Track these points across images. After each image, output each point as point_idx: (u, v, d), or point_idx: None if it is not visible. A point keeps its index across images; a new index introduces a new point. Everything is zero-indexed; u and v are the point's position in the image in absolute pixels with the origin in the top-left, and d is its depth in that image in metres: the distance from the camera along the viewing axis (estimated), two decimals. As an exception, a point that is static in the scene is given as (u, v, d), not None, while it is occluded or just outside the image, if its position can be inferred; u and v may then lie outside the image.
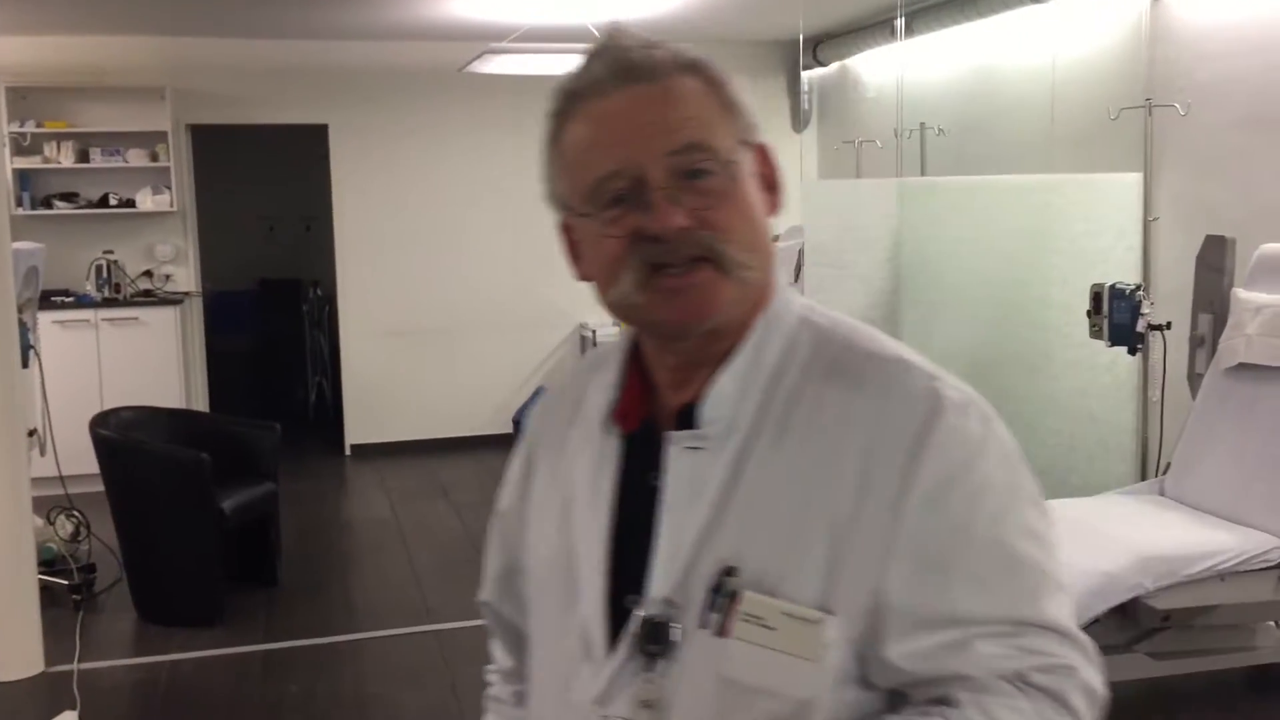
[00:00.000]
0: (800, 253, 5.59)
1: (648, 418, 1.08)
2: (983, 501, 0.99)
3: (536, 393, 6.64)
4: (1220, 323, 3.99)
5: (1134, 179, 4.75)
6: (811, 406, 1.01)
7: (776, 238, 5.92)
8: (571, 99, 1.05)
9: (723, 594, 0.99)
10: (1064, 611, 1.01)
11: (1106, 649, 3.53)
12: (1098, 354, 4.81)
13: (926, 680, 0.99)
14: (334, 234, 7.46)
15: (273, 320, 9.03)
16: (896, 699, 1.01)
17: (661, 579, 1.02)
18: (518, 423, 6.63)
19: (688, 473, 1.03)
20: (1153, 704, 3.65)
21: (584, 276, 1.09)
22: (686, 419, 1.05)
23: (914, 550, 0.97)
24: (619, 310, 1.04)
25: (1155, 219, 4.76)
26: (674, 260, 0.99)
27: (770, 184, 1.07)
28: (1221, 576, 3.46)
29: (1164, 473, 4.10)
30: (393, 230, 7.49)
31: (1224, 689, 3.70)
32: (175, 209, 7.10)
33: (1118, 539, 3.53)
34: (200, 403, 7.29)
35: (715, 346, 1.04)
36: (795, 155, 7.42)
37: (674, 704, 1.00)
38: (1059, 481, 4.88)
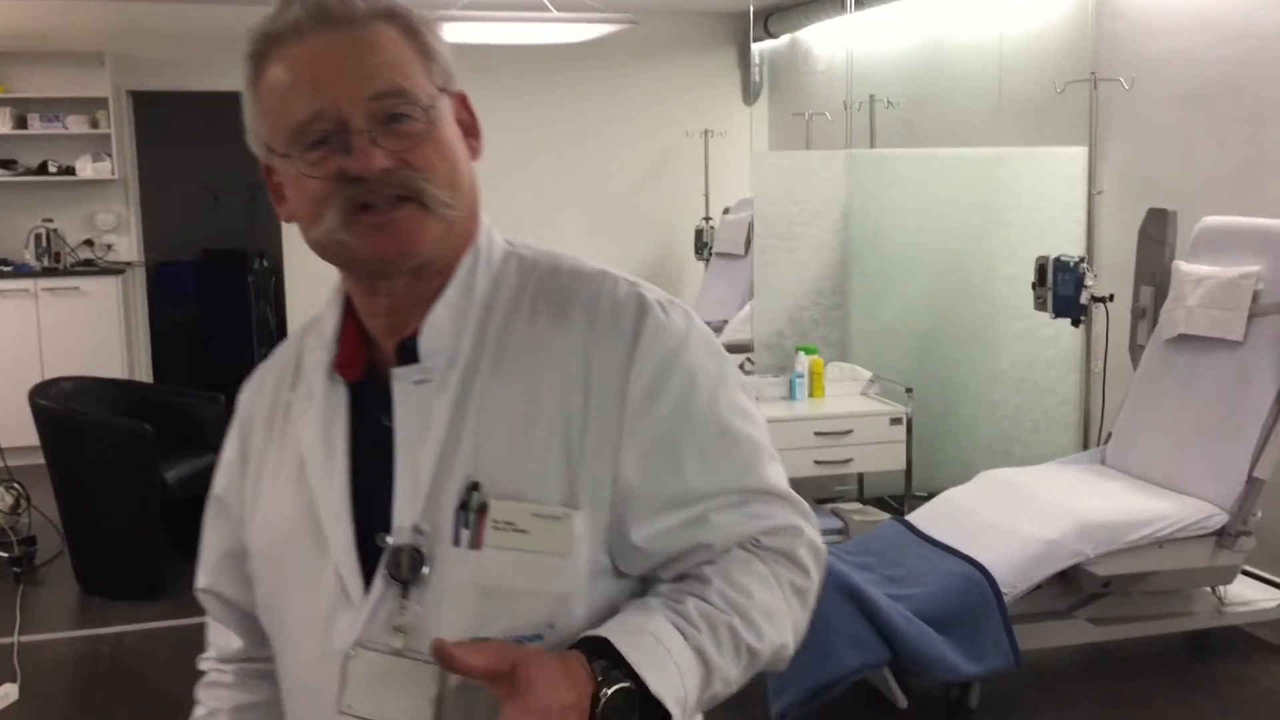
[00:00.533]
0: (750, 225, 5.60)
1: (369, 364, 1.10)
2: (696, 386, 1.06)
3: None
4: (1161, 295, 4.05)
5: (1079, 153, 4.81)
6: (525, 328, 1.07)
7: (727, 210, 5.93)
8: (267, 42, 1.06)
9: (471, 509, 1.02)
10: (782, 478, 1.12)
11: (1048, 615, 3.62)
12: (1042, 326, 4.88)
13: (672, 558, 1.06)
14: (280, 204, 7.35)
15: (217, 291, 8.89)
16: (648, 585, 1.08)
17: (405, 508, 1.04)
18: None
19: (416, 405, 1.06)
20: (1093, 668, 3.72)
21: (288, 217, 1.09)
22: (408, 355, 1.07)
23: (643, 438, 1.04)
24: (323, 249, 1.05)
25: (1099, 192, 4.82)
26: (377, 200, 1.01)
27: (470, 130, 1.12)
28: (1160, 543, 3.53)
29: (1105, 442, 4.16)
30: (340, 200, 7.39)
31: (1163, 653, 3.78)
32: (116, 177, 6.96)
33: (1059, 507, 3.59)
34: (143, 374, 7.17)
35: (424, 286, 1.07)
36: (746, 128, 7.43)
37: (435, 624, 1.02)
38: (1004, 452, 4.95)
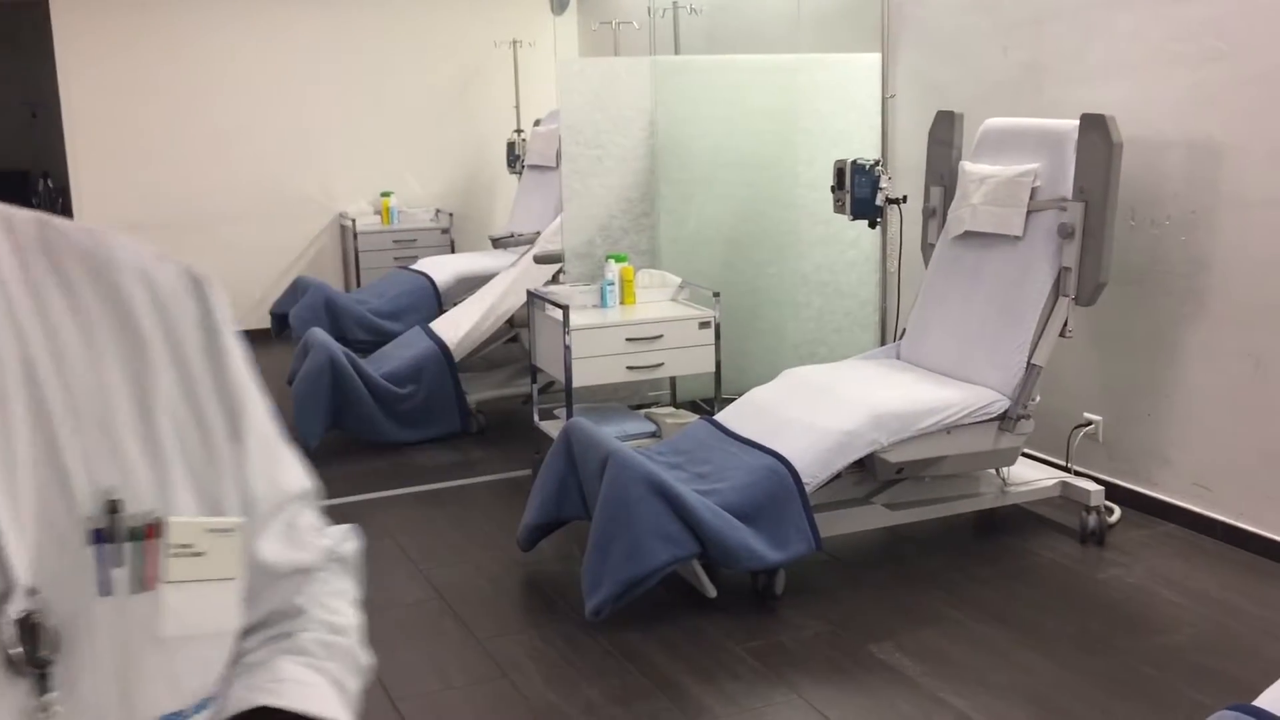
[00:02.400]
0: (560, 137, 5.57)
1: None
2: (248, 372, 0.88)
3: (294, 285, 6.43)
4: (950, 194, 4.23)
5: (873, 59, 4.94)
6: (66, 307, 0.76)
7: (538, 122, 5.87)
8: None
9: (126, 537, 0.72)
10: None
11: (848, 502, 3.78)
12: (844, 229, 5.04)
13: (279, 576, 0.88)
14: (63, 120, 6.94)
15: None
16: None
17: (18, 562, 0.68)
18: (277, 316, 6.41)
19: None
20: (890, 551, 3.93)
21: None
22: None
23: (248, 430, 0.84)
24: None
25: (892, 96, 4.97)
26: None
27: None
28: (948, 430, 3.74)
29: (900, 338, 4.35)
30: (131, 116, 7.02)
31: (953, 533, 4.02)
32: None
33: (856, 400, 3.75)
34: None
35: None
36: (553, 38, 7.35)
37: (98, 711, 0.72)
38: (809, 353, 5.13)
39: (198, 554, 0.75)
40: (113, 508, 0.72)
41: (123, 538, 0.72)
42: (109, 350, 0.77)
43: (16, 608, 0.68)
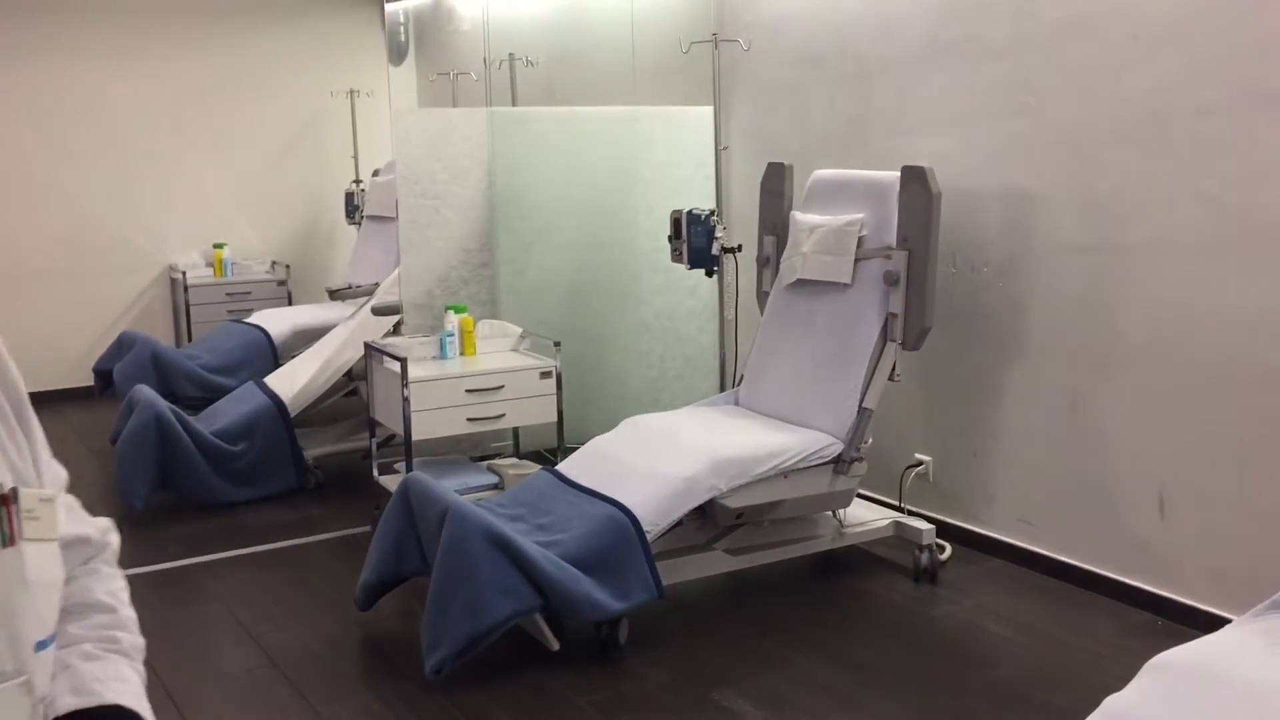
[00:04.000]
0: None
1: None
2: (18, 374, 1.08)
3: (119, 341, 6.17)
4: (782, 243, 4.33)
5: (707, 111, 5.04)
6: None
7: (376, 172, 5.77)
8: None
9: None
10: None
11: (689, 549, 3.80)
12: (683, 277, 5.10)
13: (67, 545, 1.08)
14: None
15: None
16: None
17: None
18: (100, 373, 6.14)
19: None
20: (732, 596, 3.96)
21: None
22: None
23: (31, 422, 1.05)
24: None
25: (726, 148, 5.08)
26: None
27: None
28: (785, 474, 3.80)
29: (738, 384, 4.42)
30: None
31: (794, 576, 4.07)
32: None
33: (695, 446, 3.78)
34: None
35: None
36: (391, 89, 7.28)
37: None
38: (651, 400, 5.16)
39: (35, 518, 0.95)
40: None
41: None
42: None
43: None
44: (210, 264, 7.37)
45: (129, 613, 1.15)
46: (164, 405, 4.92)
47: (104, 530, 1.17)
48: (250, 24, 7.28)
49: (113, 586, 1.14)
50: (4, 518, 0.92)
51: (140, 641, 1.15)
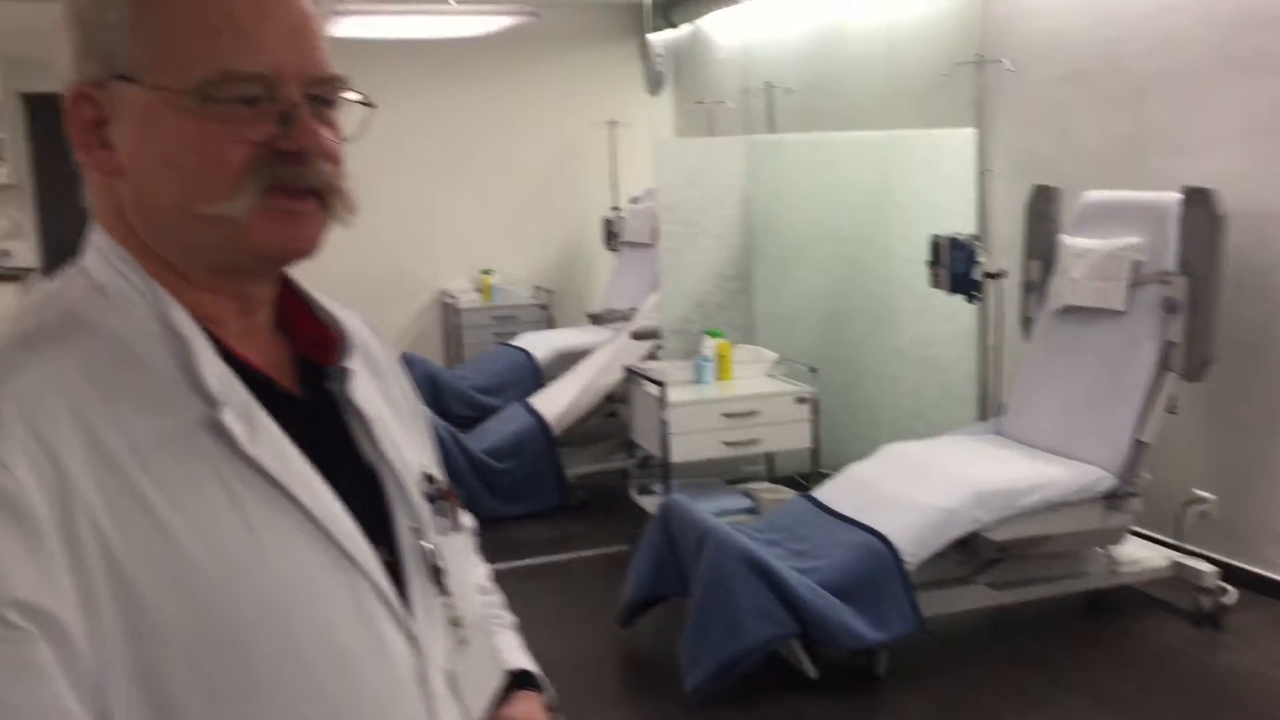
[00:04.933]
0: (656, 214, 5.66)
1: (252, 369, 0.91)
2: None
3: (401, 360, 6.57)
4: (1049, 269, 4.19)
5: (968, 133, 4.94)
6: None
7: (635, 199, 5.98)
8: None
9: (439, 497, 1.02)
10: None
11: (950, 581, 3.73)
12: (940, 303, 4.99)
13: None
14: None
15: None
16: None
17: (403, 504, 0.97)
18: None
19: (365, 400, 0.98)
20: (994, 632, 3.85)
21: (111, 169, 0.88)
22: (319, 355, 0.98)
23: (426, 427, 1.13)
24: (209, 225, 0.85)
25: (989, 171, 4.95)
26: (297, 184, 0.88)
27: None
28: (1053, 508, 3.67)
29: (1000, 413, 4.30)
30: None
31: (1060, 613, 3.92)
32: (11, 182, 6.81)
33: (956, 477, 3.70)
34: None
35: (269, 289, 0.97)
36: (651, 117, 7.49)
37: (462, 609, 1.00)
38: (907, 428, 5.07)
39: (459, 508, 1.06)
40: (430, 479, 1.02)
41: (438, 498, 1.01)
42: (374, 370, 1.05)
43: (406, 543, 0.96)
44: (479, 289, 7.76)
45: (500, 596, 1.22)
46: (440, 424, 5.22)
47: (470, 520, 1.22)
48: (516, 58, 7.63)
49: (483, 571, 1.22)
50: (448, 508, 1.02)
51: (515, 619, 1.23)
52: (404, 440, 1.01)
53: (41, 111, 7.19)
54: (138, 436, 0.81)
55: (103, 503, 0.78)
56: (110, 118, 0.87)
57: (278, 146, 0.86)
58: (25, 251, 7.01)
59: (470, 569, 1.11)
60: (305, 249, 0.92)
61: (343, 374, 0.97)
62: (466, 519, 1.10)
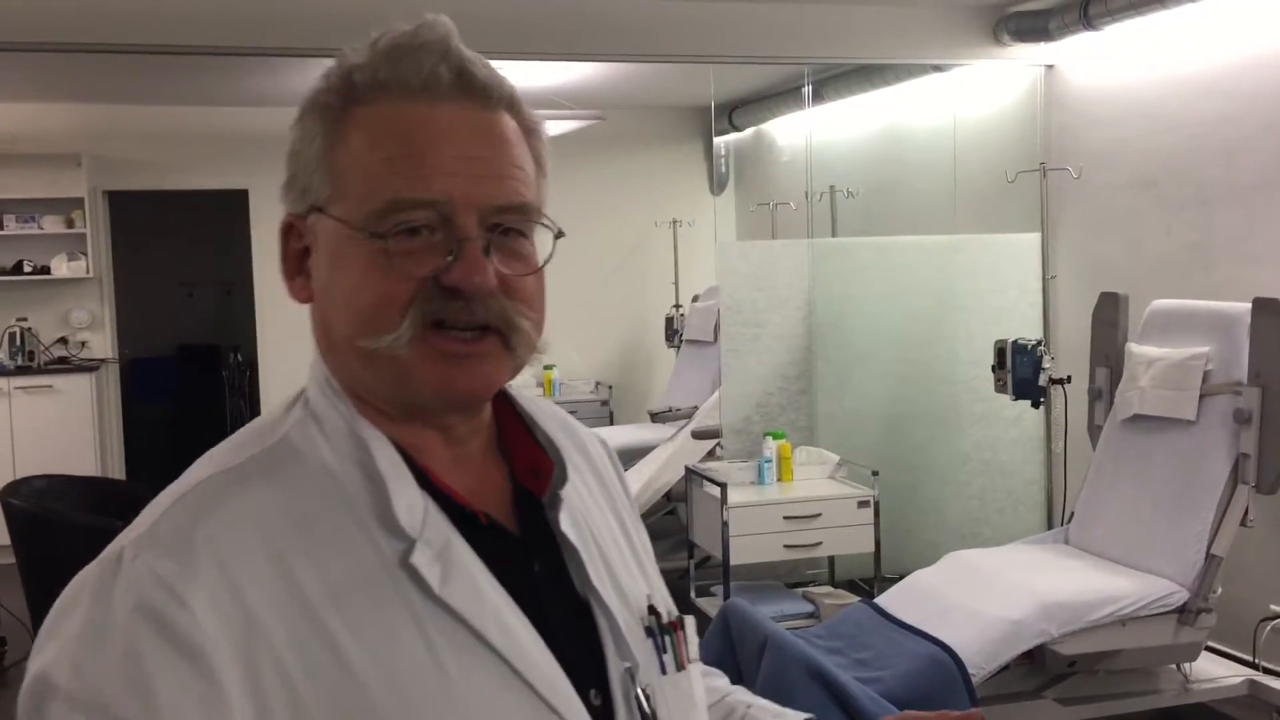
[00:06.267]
0: (718, 313, 5.71)
1: (464, 506, 0.87)
2: None
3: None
4: (1116, 376, 4.15)
5: (1033, 239, 4.95)
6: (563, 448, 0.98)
7: (696, 298, 6.02)
8: (379, 86, 0.84)
9: (663, 631, 0.94)
10: None
11: (1016, 695, 3.64)
12: (1004, 408, 4.97)
13: None
14: (254, 298, 7.43)
15: (192, 387, 8.93)
16: None
17: (616, 643, 0.90)
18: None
19: (575, 532, 0.92)
20: (1063, 748, 3.73)
21: (306, 297, 0.88)
22: (532, 482, 0.93)
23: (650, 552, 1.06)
24: (370, 360, 0.83)
25: (1053, 277, 4.95)
26: (462, 322, 0.84)
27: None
28: (1123, 622, 3.58)
29: (1068, 522, 4.23)
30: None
31: (1131, 731, 3.81)
32: (91, 275, 7.03)
33: (1024, 587, 3.64)
34: (117, 471, 7.17)
35: (479, 418, 0.92)
36: (712, 218, 7.59)
37: None
38: (971, 534, 5.01)
39: (690, 641, 0.96)
40: (652, 610, 0.94)
41: (662, 632, 0.93)
42: (600, 495, 1.01)
43: (621, 687, 0.89)
44: (541, 384, 7.82)
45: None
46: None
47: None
48: (584, 158, 7.78)
49: (721, 683, 1.16)
50: (676, 643, 0.93)
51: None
52: (624, 569, 0.95)
53: (123, 207, 7.46)
54: (334, 576, 0.79)
55: (288, 640, 0.76)
56: (312, 247, 0.88)
57: (443, 281, 0.82)
58: (101, 342, 7.21)
59: (697, 713, 0.96)
60: (477, 390, 0.87)
61: (554, 502, 0.92)
62: (695, 649, 0.98)
